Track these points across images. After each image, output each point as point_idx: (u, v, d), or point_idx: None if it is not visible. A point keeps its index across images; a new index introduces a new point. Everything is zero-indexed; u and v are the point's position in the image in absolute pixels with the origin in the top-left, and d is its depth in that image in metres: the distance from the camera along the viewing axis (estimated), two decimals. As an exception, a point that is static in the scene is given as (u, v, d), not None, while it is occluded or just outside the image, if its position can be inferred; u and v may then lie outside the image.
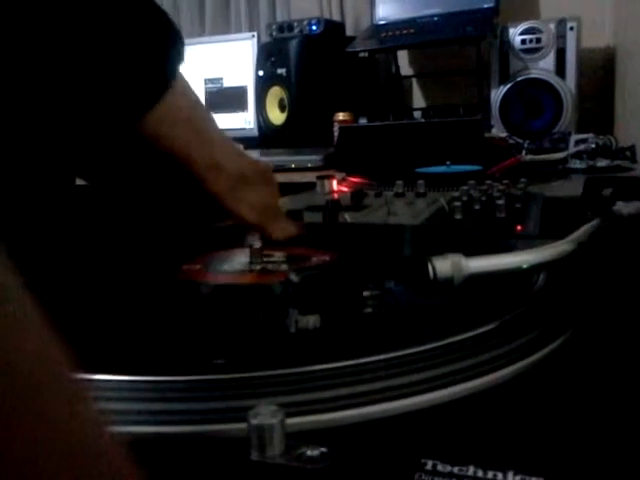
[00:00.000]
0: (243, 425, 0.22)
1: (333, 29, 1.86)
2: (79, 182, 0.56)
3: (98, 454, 0.17)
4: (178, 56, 0.48)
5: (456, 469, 0.21)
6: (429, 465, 0.21)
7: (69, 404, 0.17)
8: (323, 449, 0.22)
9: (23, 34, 0.42)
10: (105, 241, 0.55)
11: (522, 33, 1.58)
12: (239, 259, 0.47)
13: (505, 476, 0.21)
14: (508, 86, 1.59)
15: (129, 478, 0.18)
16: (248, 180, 0.50)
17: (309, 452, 0.22)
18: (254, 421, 0.22)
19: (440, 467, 0.21)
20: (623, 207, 0.48)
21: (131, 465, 0.18)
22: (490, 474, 0.21)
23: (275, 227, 0.51)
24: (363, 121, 1.46)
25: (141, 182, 0.54)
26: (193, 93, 0.50)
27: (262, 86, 1.82)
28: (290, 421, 0.23)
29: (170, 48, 0.47)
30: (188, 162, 0.48)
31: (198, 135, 0.48)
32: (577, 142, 1.17)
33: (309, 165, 1.48)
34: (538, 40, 1.56)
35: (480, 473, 0.21)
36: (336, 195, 0.87)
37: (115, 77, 0.45)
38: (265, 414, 0.22)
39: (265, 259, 0.45)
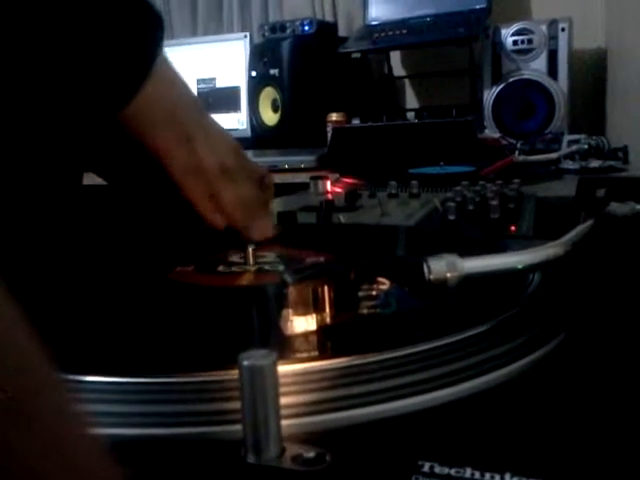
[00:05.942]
0: (238, 427, 0.22)
1: (325, 29, 1.86)
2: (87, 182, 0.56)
3: (84, 454, 0.17)
4: (157, 41, 0.43)
5: (453, 471, 0.21)
6: (426, 467, 0.21)
7: (58, 405, 0.17)
8: (319, 451, 0.22)
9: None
10: (103, 240, 0.55)
11: (514, 34, 1.58)
12: (233, 260, 0.46)
13: (502, 478, 0.21)
14: (500, 87, 1.59)
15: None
16: (230, 175, 0.47)
17: (305, 454, 0.22)
18: (246, 363, 0.21)
19: (437, 469, 0.21)
20: (617, 208, 0.48)
21: (115, 467, 0.18)
22: (487, 476, 0.21)
23: (253, 227, 0.49)
24: (356, 122, 1.46)
25: (144, 178, 0.52)
26: (181, 83, 0.47)
27: (255, 87, 1.82)
28: (286, 423, 0.23)
29: (148, 32, 0.43)
30: (165, 164, 0.45)
31: (180, 133, 0.45)
32: (569, 143, 1.17)
33: (302, 166, 1.48)
34: (530, 41, 1.57)
35: (477, 475, 0.21)
36: (330, 196, 0.87)
37: (84, 66, 0.40)
38: (256, 356, 0.21)
39: (259, 260, 0.45)
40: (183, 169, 0.46)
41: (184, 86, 0.47)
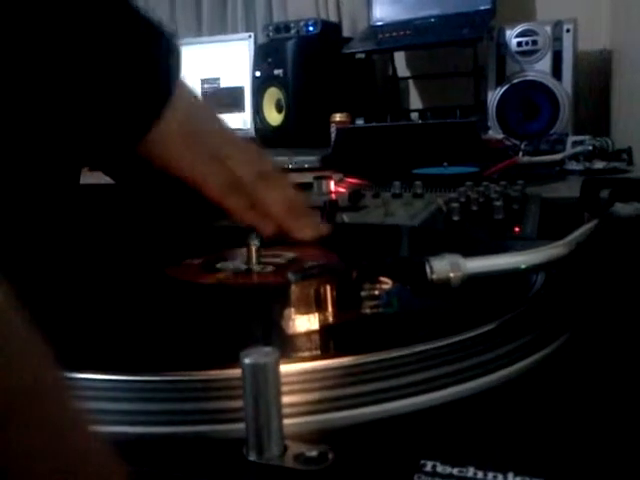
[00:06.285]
0: (241, 425, 0.22)
1: (330, 30, 1.86)
2: (85, 181, 0.55)
3: (86, 453, 0.17)
4: (175, 69, 0.42)
5: (456, 470, 0.21)
6: (428, 466, 0.21)
7: (59, 404, 0.17)
8: (322, 450, 0.22)
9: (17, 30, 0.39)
10: (107, 238, 0.55)
11: (518, 35, 1.58)
12: (237, 258, 0.46)
13: (505, 477, 0.21)
14: (505, 88, 1.59)
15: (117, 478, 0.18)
16: (268, 180, 0.46)
17: (307, 453, 0.22)
18: (247, 360, 0.21)
19: (440, 468, 0.21)
20: (621, 208, 0.48)
21: (118, 465, 0.18)
22: (490, 475, 0.21)
23: (301, 225, 0.47)
24: (360, 122, 1.45)
25: (151, 177, 0.51)
26: (195, 97, 0.46)
27: (259, 87, 1.82)
28: (288, 422, 0.23)
29: (165, 60, 0.42)
30: (199, 187, 0.44)
31: (205, 152, 0.44)
32: (574, 144, 1.17)
33: (306, 166, 1.48)
34: (534, 42, 1.57)
35: (480, 474, 0.21)
36: (333, 195, 0.87)
37: (102, 95, 0.40)
38: (259, 354, 0.21)
39: (263, 259, 0.45)
40: (219, 187, 0.45)
41: (197, 99, 0.46)
